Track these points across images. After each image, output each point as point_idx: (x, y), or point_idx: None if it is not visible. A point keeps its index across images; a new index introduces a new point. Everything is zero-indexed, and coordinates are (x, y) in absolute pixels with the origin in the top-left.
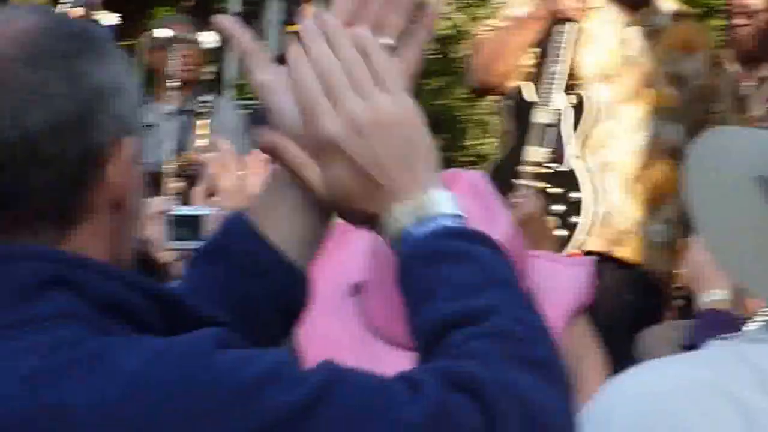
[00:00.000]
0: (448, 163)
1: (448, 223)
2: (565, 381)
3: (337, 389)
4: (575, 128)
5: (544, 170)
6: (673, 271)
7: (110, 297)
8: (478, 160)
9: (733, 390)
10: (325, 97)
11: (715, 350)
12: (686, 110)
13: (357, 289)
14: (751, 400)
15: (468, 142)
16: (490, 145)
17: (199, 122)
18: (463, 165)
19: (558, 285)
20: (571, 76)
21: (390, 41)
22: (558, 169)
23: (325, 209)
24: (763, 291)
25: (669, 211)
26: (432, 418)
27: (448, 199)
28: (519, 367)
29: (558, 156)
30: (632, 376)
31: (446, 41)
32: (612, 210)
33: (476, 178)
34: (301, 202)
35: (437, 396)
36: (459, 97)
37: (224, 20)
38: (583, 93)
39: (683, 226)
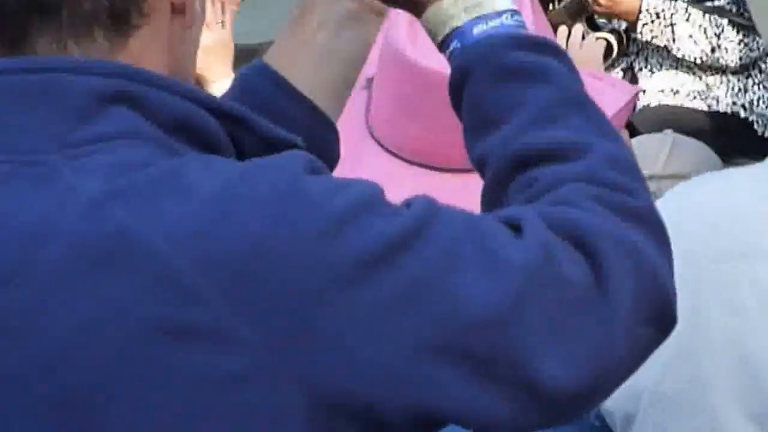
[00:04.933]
0: None
1: (509, 22)
2: (665, 235)
3: (434, 224)
4: None
5: None
6: None
7: (178, 115)
8: None
9: None
10: None
11: None
12: None
13: (370, 83)
14: None
15: None
16: None
17: None
18: None
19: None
20: None
21: None
22: None
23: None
24: None
25: None
26: (536, 262)
27: None
28: (622, 218)
29: None
30: (702, 185)
31: None
32: None
33: None
34: (326, 47)
35: (541, 239)
36: None
37: None
38: None
39: None
